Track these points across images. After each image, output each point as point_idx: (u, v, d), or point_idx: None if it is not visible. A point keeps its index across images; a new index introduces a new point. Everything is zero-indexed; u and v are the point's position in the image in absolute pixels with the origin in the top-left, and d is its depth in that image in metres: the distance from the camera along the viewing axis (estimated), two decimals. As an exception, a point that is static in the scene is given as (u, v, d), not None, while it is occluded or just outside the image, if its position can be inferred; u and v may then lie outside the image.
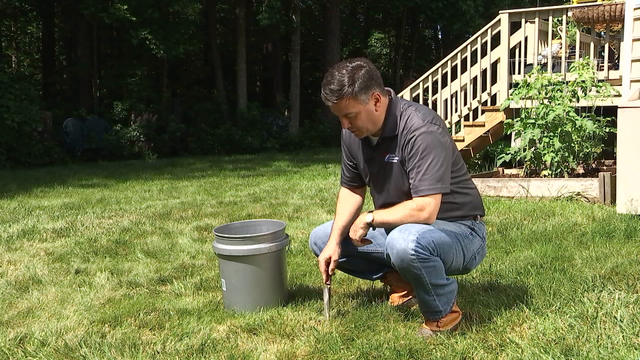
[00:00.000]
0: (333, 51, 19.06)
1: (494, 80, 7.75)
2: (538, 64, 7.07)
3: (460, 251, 2.46)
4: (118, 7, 14.40)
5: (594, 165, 6.40)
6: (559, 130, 5.81)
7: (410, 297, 2.80)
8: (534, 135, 5.81)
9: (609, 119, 5.97)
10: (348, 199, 2.76)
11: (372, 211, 2.52)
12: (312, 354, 2.32)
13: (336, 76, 2.39)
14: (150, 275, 3.58)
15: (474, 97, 7.95)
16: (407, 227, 2.33)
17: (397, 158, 2.47)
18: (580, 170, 6.16)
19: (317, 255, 2.87)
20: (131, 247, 4.43)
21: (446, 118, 8.23)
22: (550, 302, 2.72)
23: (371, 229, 2.54)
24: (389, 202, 2.53)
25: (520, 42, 7.58)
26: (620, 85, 6.18)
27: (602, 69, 6.95)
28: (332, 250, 2.65)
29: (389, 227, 2.45)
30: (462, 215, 2.56)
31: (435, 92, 8.29)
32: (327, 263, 2.65)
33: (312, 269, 3.58)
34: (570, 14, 7.05)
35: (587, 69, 6.01)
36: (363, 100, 2.40)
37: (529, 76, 6.27)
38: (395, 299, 2.85)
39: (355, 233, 2.52)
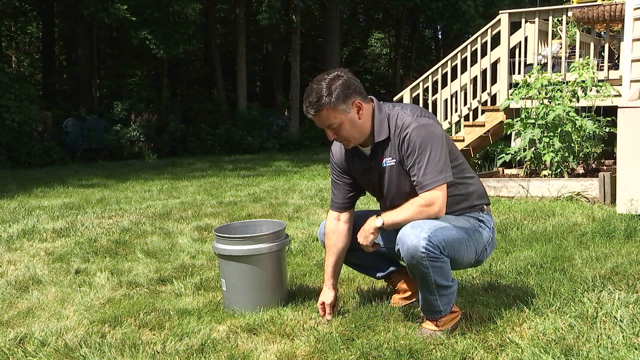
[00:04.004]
0: (333, 51, 19.06)
1: (494, 80, 7.75)
2: (538, 64, 7.07)
3: (472, 246, 2.45)
4: (118, 7, 14.40)
5: (594, 165, 6.40)
6: (559, 130, 5.81)
7: (412, 300, 2.80)
8: (534, 135, 5.81)
9: (609, 119, 5.97)
10: (335, 233, 2.70)
11: (379, 214, 2.47)
12: (312, 354, 2.32)
13: (314, 89, 2.40)
14: (150, 275, 3.58)
15: (474, 97, 7.95)
16: (419, 224, 2.32)
17: (394, 160, 2.45)
18: (580, 170, 6.15)
19: (324, 246, 2.84)
20: (131, 247, 4.43)
21: (446, 118, 8.24)
22: (550, 302, 2.72)
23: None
24: (396, 204, 2.49)
25: (520, 42, 7.58)
26: (620, 85, 6.18)
27: (602, 69, 6.95)
28: (325, 296, 2.68)
29: (402, 225, 2.39)
30: (468, 206, 2.53)
31: (435, 92, 8.29)
32: (324, 308, 2.68)
33: (312, 269, 3.58)
34: (570, 14, 7.05)
35: (587, 69, 6.01)
36: (343, 110, 2.39)
37: (529, 76, 6.26)
38: (397, 300, 2.85)
39: (366, 239, 2.46)
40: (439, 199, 2.34)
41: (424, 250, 2.26)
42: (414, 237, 2.28)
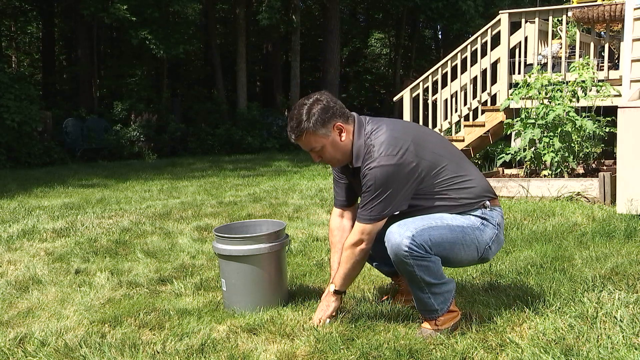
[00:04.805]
0: (333, 51, 19.06)
1: (494, 80, 7.75)
2: (538, 64, 7.07)
3: (471, 244, 2.43)
4: (118, 7, 14.40)
5: (594, 165, 6.40)
6: (559, 130, 5.81)
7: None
8: (534, 135, 5.81)
9: (609, 119, 5.97)
10: (339, 230, 2.76)
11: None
12: (312, 354, 2.32)
13: (294, 114, 2.45)
14: (150, 275, 3.58)
15: (474, 97, 7.95)
16: (405, 223, 2.35)
17: None
18: (580, 170, 6.15)
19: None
20: (131, 247, 4.43)
21: (446, 118, 8.25)
22: (550, 302, 2.72)
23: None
24: None
25: (520, 42, 7.58)
26: (620, 85, 6.18)
27: (602, 69, 6.95)
28: None
29: (352, 276, 2.57)
30: (470, 205, 2.48)
31: (435, 92, 8.29)
32: None
33: (312, 269, 3.58)
34: (570, 14, 7.05)
35: (587, 69, 6.01)
36: (324, 134, 2.43)
37: (529, 76, 6.26)
38: (401, 299, 2.85)
39: (328, 308, 2.59)
40: (364, 234, 2.44)
41: (406, 248, 2.29)
42: (398, 236, 2.32)
